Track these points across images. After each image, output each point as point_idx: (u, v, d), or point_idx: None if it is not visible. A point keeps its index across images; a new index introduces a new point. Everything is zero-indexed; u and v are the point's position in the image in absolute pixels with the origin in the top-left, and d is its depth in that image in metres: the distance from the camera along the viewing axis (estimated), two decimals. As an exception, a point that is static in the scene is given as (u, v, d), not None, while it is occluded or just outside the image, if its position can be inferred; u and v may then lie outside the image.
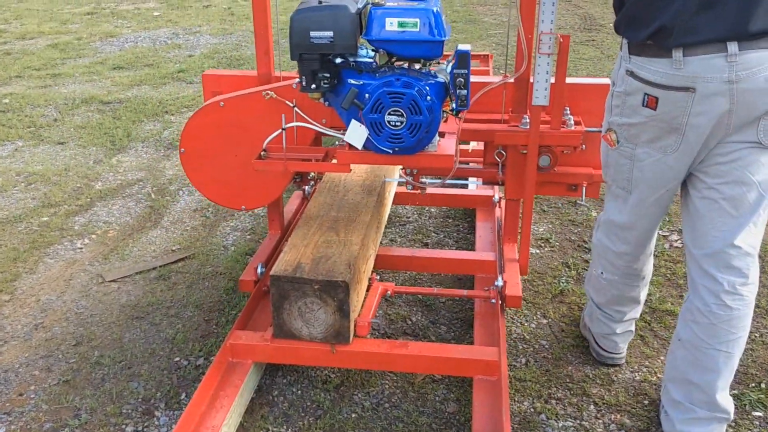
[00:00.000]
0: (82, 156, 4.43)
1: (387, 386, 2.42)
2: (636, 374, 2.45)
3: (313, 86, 2.13)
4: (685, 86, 1.83)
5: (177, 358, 2.55)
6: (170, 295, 2.94)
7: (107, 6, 9.64)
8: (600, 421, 2.25)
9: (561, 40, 2.28)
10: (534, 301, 2.89)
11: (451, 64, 2.10)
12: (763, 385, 2.40)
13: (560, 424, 2.24)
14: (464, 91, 2.09)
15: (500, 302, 2.52)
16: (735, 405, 2.15)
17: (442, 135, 2.28)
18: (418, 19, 2.03)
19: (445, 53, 2.20)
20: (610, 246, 2.28)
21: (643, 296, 2.40)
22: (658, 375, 2.44)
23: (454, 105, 2.12)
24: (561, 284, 2.99)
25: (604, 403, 2.32)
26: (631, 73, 1.94)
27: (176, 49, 7.24)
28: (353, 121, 2.16)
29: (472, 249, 3.14)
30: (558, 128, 2.39)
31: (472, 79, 2.19)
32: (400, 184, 3.31)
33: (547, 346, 2.61)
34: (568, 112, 2.44)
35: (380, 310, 2.82)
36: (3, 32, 7.95)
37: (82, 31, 8.04)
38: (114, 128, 4.91)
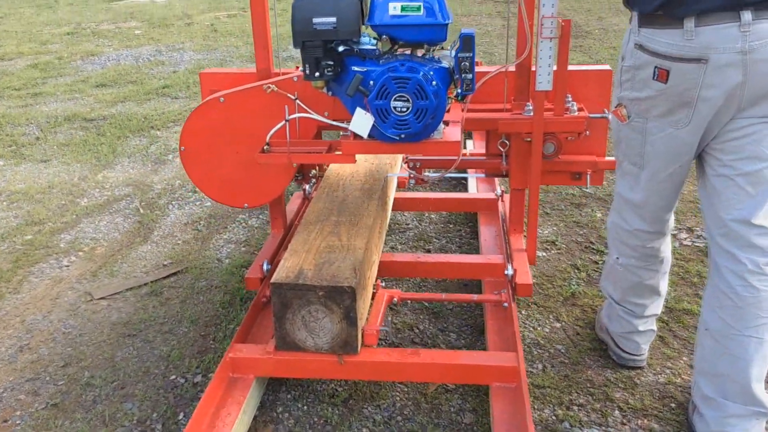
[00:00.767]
0: (66, 173, 4.27)
1: (398, 398, 2.28)
2: (659, 376, 2.33)
3: (317, 74, 2.06)
4: (697, 57, 1.77)
5: (173, 376, 2.40)
6: (163, 311, 2.79)
7: (87, 26, 9.51)
8: (627, 426, 2.12)
9: (563, 24, 2.21)
10: (545, 304, 2.77)
11: (455, 48, 2.04)
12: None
13: (585, 432, 2.11)
14: (469, 75, 2.03)
15: (511, 292, 2.45)
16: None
17: (446, 123, 2.22)
18: (420, 3, 1.96)
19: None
20: (623, 225, 2.19)
21: (663, 287, 2.29)
22: (683, 377, 2.32)
23: (459, 90, 2.06)
24: (572, 286, 2.87)
25: (629, 408, 2.19)
26: (641, 46, 1.89)
27: (160, 65, 7.11)
28: (358, 109, 2.07)
29: (477, 253, 3.02)
30: (561, 114, 2.33)
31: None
32: (400, 187, 3.22)
33: (563, 351, 2.48)
34: (570, 98, 2.38)
35: (387, 318, 2.68)
36: (-19, 54, 7.79)
37: (62, 51, 7.90)
38: (99, 144, 4.77)
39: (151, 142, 4.80)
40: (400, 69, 1.99)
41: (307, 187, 3.10)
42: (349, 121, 2.11)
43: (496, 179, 3.40)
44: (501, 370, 2.12)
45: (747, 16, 1.71)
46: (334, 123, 2.31)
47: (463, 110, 2.20)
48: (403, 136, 2.04)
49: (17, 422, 2.22)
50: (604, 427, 2.12)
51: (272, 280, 2.12)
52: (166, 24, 9.44)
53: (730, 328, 1.91)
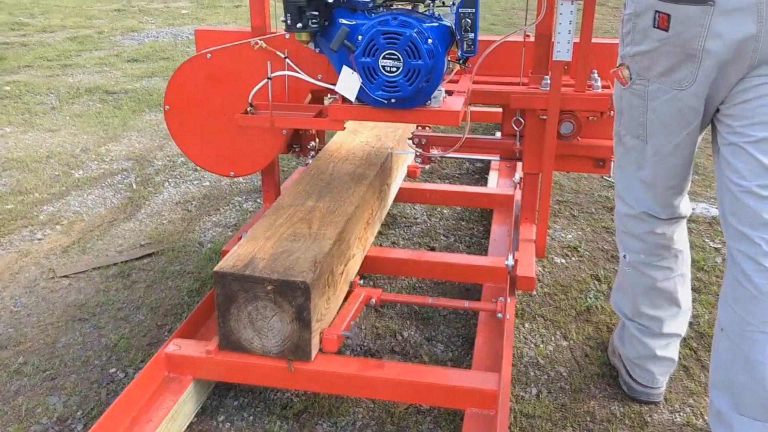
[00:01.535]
0: (70, 144, 4.06)
1: (360, 415, 1.94)
2: (677, 415, 1.93)
3: (299, 25, 1.89)
4: None
5: (113, 369, 2.11)
6: (125, 295, 2.52)
7: (137, 4, 9.42)
8: (627, 475, 1.74)
9: None
10: (554, 318, 2.39)
11: (456, 3, 1.85)
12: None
13: (575, 477, 1.74)
14: (471, 34, 1.87)
15: (509, 285, 2.18)
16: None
17: (450, 94, 2.01)
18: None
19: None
20: (627, 211, 1.85)
21: (683, 296, 1.89)
22: (706, 417, 1.92)
23: (460, 52, 1.89)
24: (588, 300, 2.48)
25: (633, 452, 1.81)
26: None
27: (196, 43, 6.92)
28: (344, 68, 1.89)
29: (485, 254, 2.65)
30: (583, 91, 1.98)
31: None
32: (411, 177, 2.89)
33: (565, 374, 2.10)
34: (596, 75, 2.02)
35: (367, 321, 2.35)
36: (25, 25, 7.74)
37: (104, 26, 7.79)
38: (112, 117, 4.56)
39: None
40: (392, 23, 1.79)
41: (310, 161, 2.81)
42: None
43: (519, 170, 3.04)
44: (478, 394, 1.76)
45: None
46: (326, 86, 2.09)
47: (470, 78, 1.91)
48: (393, 100, 1.84)
49: (-69, 408, 1.97)
50: (599, 474, 1.75)
51: (215, 269, 1.81)
52: (215, 5, 9.27)
53: (745, 324, 1.53)
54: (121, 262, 2.74)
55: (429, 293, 2.56)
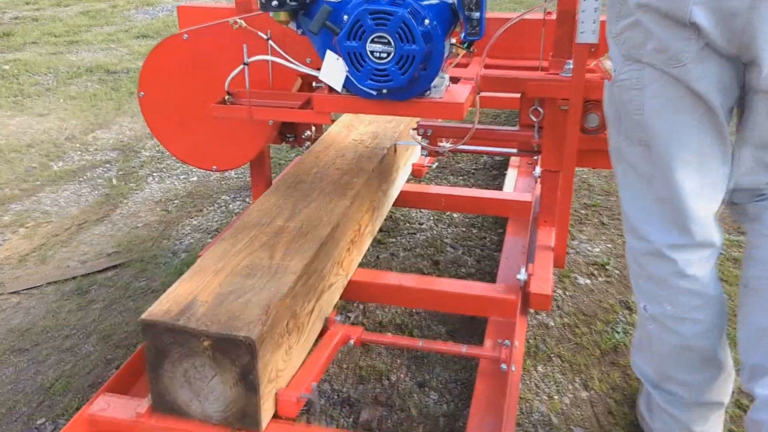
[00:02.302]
0: (57, 130, 3.76)
1: (326, 491, 1.60)
2: (721, 505, 1.54)
3: (275, 3, 1.63)
4: None
5: (40, 420, 1.79)
6: (77, 318, 2.20)
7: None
8: None
9: None
10: (573, 359, 2.00)
11: None
12: None
13: None
14: (476, 14, 1.61)
15: (520, 302, 1.89)
16: None
17: (456, 81, 1.78)
18: None
19: None
20: (642, 247, 1.48)
21: (721, 351, 1.48)
22: None
23: (463, 35, 1.64)
24: (615, 335, 2.08)
25: None
26: None
27: (211, 17, 6.57)
28: (328, 53, 1.66)
29: (495, 270, 2.26)
30: (610, 78, 1.60)
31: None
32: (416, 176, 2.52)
33: (582, 440, 1.73)
34: None
35: (350, 360, 1.99)
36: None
37: (120, 0, 7.49)
38: (106, 100, 4.25)
39: (163, 101, 4.25)
40: (381, 1, 1.54)
41: (303, 150, 2.47)
42: None
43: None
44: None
45: None
46: (312, 72, 1.82)
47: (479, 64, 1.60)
48: (384, 91, 1.60)
49: None
50: None
51: (143, 316, 1.47)
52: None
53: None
54: (81, 275, 2.42)
55: (427, 321, 2.19)
